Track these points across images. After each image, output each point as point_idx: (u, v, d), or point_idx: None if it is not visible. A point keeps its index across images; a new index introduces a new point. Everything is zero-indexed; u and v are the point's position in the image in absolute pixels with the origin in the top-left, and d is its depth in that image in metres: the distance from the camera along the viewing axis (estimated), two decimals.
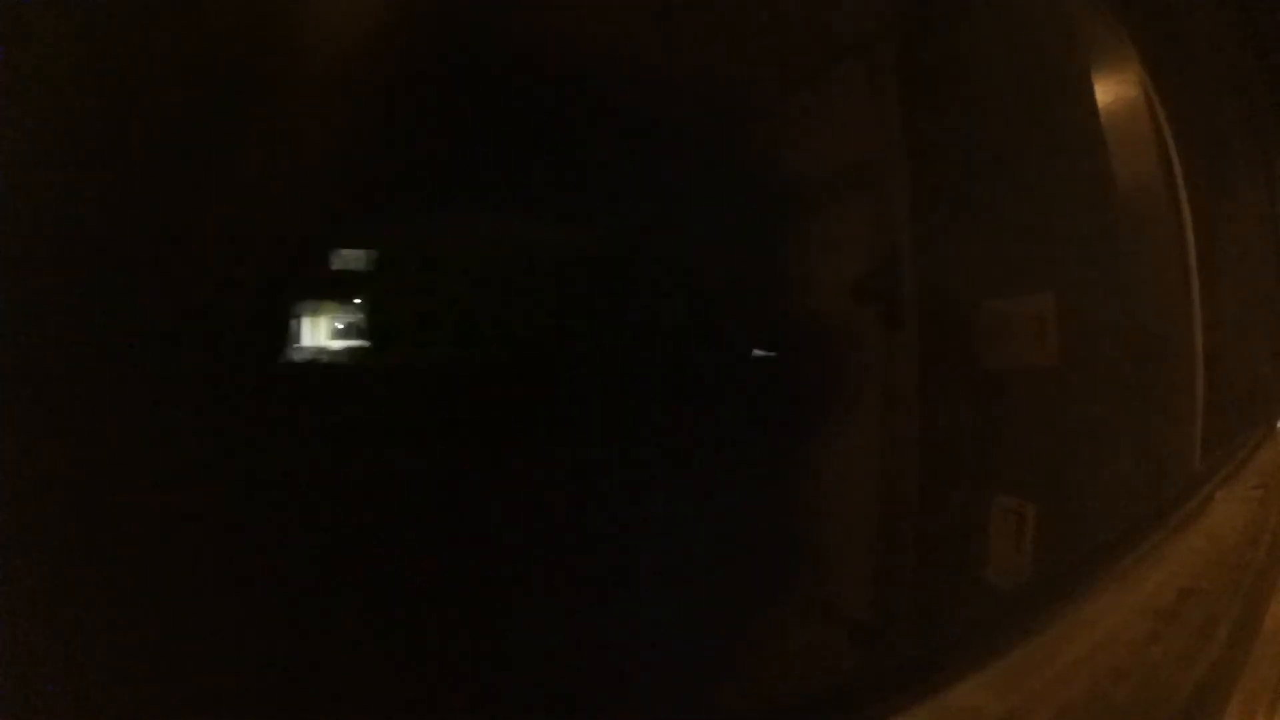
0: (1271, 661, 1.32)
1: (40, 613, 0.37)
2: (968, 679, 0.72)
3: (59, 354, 0.38)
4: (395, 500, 0.48)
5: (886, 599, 0.79)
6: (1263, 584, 1.43)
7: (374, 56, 0.50)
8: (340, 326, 0.47)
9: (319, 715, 0.46)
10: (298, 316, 0.46)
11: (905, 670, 0.73)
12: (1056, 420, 1.08)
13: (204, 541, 0.41)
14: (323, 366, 0.46)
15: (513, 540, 0.56)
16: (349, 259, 0.48)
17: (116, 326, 0.40)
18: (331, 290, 0.48)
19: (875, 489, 0.81)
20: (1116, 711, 0.85)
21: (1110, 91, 1.37)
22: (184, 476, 0.40)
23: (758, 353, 0.67)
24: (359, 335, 0.47)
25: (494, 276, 0.55)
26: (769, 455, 0.70)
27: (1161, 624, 1.04)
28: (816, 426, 0.74)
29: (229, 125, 0.44)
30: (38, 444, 0.37)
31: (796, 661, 0.71)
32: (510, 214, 0.57)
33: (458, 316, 0.53)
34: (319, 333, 0.46)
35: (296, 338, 0.45)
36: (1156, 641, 1.01)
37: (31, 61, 0.38)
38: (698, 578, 0.65)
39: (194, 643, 0.41)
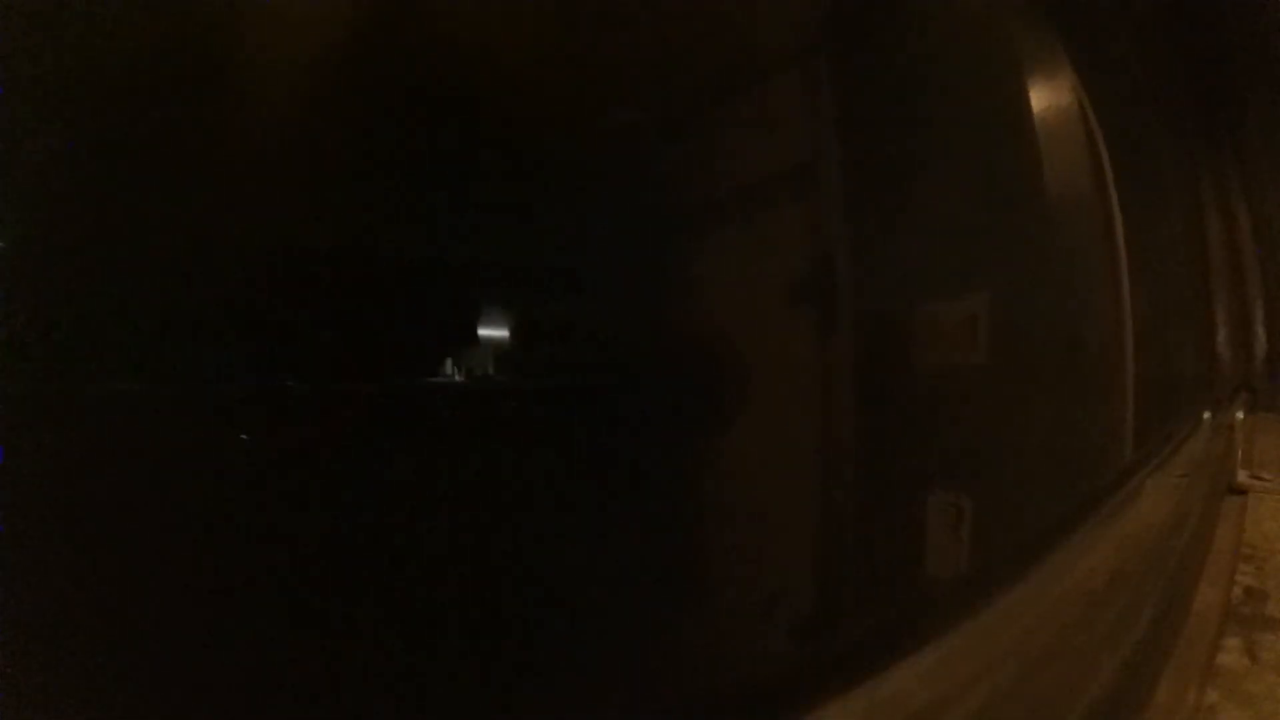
0: (1201, 642, 1.39)
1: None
2: (901, 666, 0.75)
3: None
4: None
5: (825, 593, 0.81)
6: (1189, 567, 1.50)
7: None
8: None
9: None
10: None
11: (841, 659, 0.75)
12: (992, 416, 1.12)
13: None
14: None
15: (471, 544, 0.56)
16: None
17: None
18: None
19: (814, 487, 0.83)
20: (1046, 693, 0.89)
21: (1043, 99, 1.43)
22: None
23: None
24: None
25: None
26: (708, 455, 0.72)
27: (1091, 608, 1.09)
28: (756, 427, 0.76)
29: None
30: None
31: (737, 653, 0.72)
32: (444, 226, 0.57)
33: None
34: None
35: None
36: (1086, 625, 1.06)
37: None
38: (640, 577, 0.66)
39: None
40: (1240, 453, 2.15)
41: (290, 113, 0.50)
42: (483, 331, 0.57)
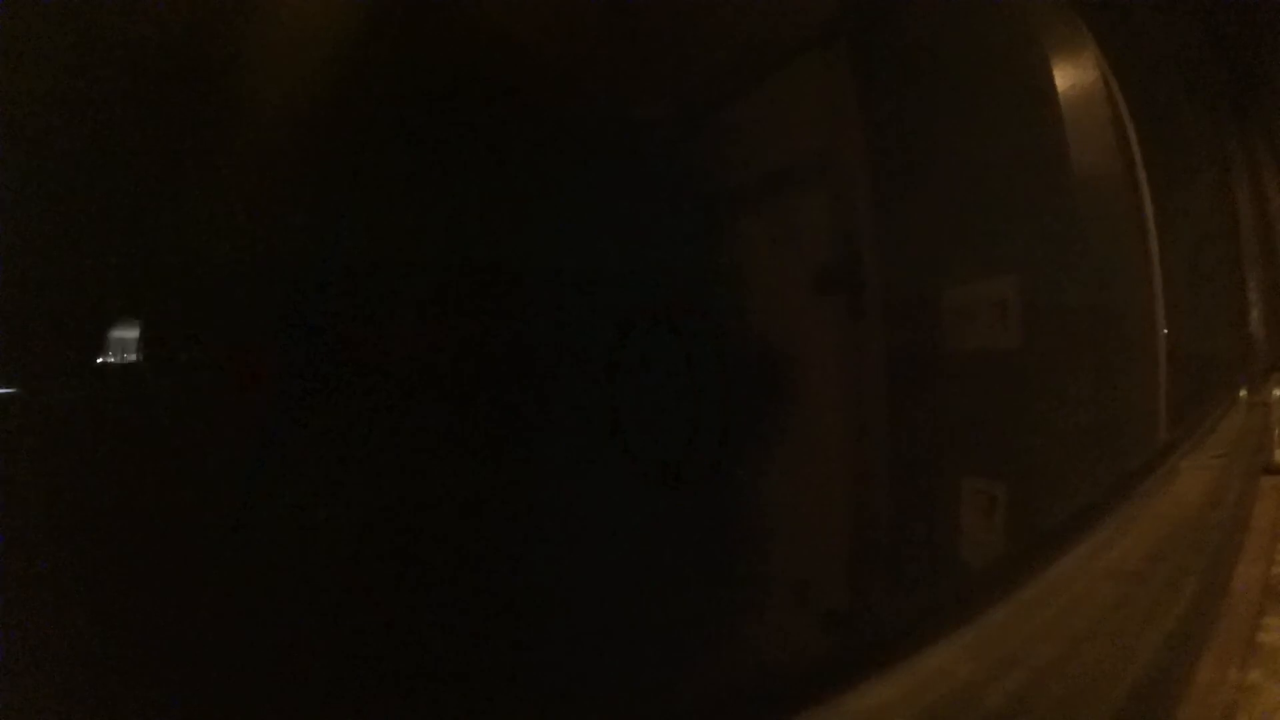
0: (1242, 621, 1.37)
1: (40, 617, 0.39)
2: (941, 644, 0.76)
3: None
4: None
5: (862, 579, 0.82)
6: (1227, 546, 1.49)
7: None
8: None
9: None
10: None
11: (879, 639, 0.76)
12: (1025, 398, 1.12)
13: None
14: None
15: (512, 536, 0.58)
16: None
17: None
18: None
19: (847, 476, 0.84)
20: (1086, 670, 0.90)
21: (1069, 79, 1.42)
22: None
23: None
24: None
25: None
26: (744, 446, 0.73)
27: (1129, 587, 1.09)
28: (788, 416, 0.77)
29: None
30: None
31: (781, 631, 0.74)
32: (468, 220, 0.58)
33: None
34: None
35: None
36: (1125, 604, 1.06)
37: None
38: (675, 564, 0.68)
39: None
40: (1277, 432, 2.11)
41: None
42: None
